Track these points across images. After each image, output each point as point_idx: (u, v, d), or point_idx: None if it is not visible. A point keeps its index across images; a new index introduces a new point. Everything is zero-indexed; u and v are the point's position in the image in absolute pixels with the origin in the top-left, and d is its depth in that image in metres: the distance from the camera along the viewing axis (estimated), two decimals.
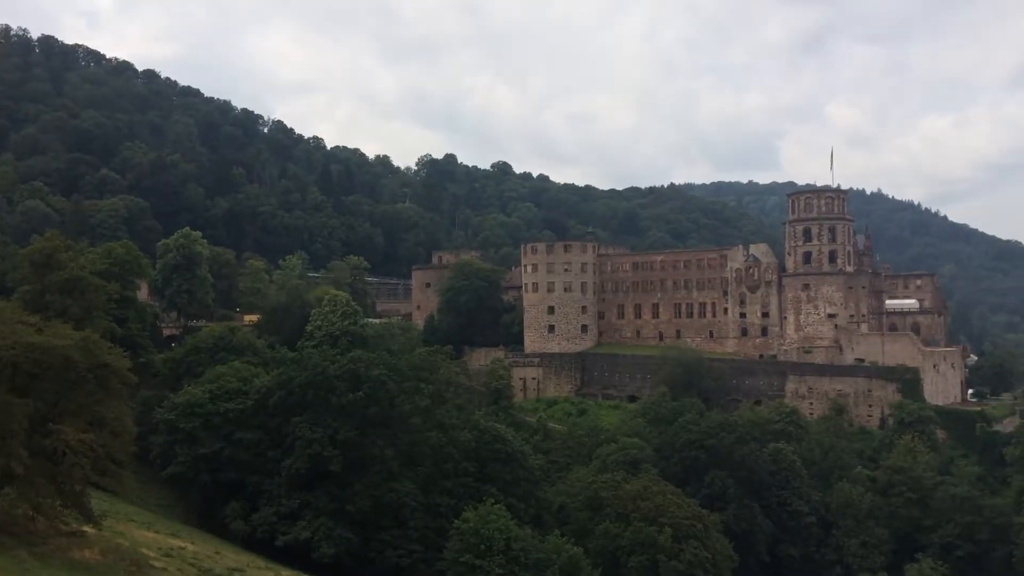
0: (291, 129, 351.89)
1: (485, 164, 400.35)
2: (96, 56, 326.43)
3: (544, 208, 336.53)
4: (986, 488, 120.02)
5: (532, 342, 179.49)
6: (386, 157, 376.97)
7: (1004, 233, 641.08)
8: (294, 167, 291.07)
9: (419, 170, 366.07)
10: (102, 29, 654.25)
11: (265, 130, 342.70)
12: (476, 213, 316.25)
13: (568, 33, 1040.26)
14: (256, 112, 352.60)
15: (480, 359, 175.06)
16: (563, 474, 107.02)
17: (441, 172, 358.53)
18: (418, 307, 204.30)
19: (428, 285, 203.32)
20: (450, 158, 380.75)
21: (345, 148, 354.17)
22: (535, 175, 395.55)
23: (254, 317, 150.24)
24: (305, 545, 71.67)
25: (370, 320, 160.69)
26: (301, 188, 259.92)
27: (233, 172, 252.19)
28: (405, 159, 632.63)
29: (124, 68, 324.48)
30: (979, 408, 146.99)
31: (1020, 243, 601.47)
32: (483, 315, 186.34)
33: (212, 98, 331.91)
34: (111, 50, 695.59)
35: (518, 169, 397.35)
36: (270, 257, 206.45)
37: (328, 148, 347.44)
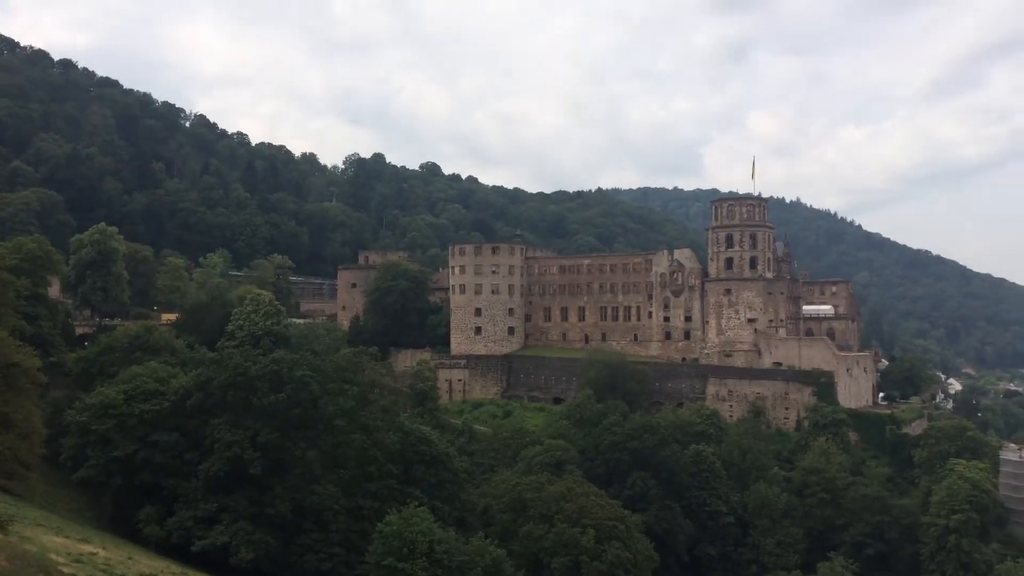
0: (214, 124, 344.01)
1: (414, 164, 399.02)
2: (9, 44, 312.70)
3: (473, 210, 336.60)
4: (895, 489, 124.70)
5: (459, 344, 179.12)
6: (313, 155, 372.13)
7: (915, 243, 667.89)
8: (217, 163, 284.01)
9: (346, 169, 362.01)
10: (16, 16, 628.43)
11: (187, 124, 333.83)
12: (404, 213, 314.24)
13: (498, 35, 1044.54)
14: (178, 106, 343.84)
15: (406, 360, 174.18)
16: (488, 476, 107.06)
17: (369, 171, 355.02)
18: (343, 308, 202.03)
19: (354, 285, 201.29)
20: (378, 157, 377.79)
21: (270, 145, 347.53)
22: (464, 177, 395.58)
23: (172, 316, 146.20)
24: (223, 550, 69.98)
25: (294, 320, 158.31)
26: (224, 184, 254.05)
27: (152, 166, 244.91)
28: (332, 157, 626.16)
29: (39, 57, 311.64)
30: (889, 411, 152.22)
31: (930, 252, 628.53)
32: (410, 316, 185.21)
33: (131, 90, 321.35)
34: (25, 38, 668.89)
35: (447, 170, 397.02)
36: (190, 255, 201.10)
37: (253, 144, 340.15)
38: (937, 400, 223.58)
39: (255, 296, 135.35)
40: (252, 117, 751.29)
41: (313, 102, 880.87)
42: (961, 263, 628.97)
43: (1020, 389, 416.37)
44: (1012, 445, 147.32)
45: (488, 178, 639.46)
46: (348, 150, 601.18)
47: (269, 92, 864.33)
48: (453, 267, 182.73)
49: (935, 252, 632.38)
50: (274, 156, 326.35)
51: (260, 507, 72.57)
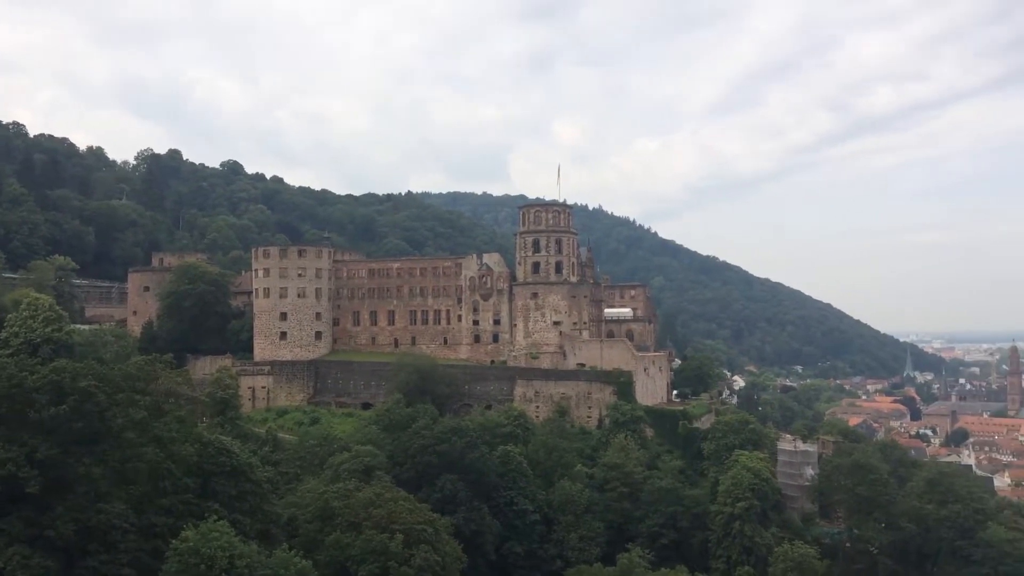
0: None
1: (213, 162, 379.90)
2: None
3: (277, 211, 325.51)
4: (687, 480, 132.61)
5: (262, 349, 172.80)
6: (100, 149, 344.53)
7: (704, 249, 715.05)
8: None
9: (138, 165, 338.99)
10: None
11: None
12: (203, 213, 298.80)
13: (300, 30, 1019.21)
14: None
15: (205, 368, 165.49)
16: (293, 485, 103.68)
17: (164, 168, 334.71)
18: (135, 313, 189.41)
19: (147, 289, 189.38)
20: (174, 154, 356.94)
21: (51, 137, 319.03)
22: (268, 176, 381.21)
23: None
24: None
25: (78, 326, 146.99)
26: None
27: None
28: (122, 152, 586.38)
29: None
30: (682, 407, 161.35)
31: (716, 258, 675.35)
32: (209, 321, 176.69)
33: None
34: None
35: (249, 169, 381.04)
36: None
37: (31, 136, 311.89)
38: (723, 396, 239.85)
39: (33, 300, 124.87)
40: (26, 106, 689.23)
41: (96, 92, 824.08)
42: (744, 268, 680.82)
43: (794, 384, 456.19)
44: (788, 436, 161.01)
45: (294, 178, 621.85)
46: (140, 145, 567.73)
47: (46, 79, 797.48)
48: (257, 270, 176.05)
49: (722, 258, 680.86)
50: (55, 149, 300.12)
51: (39, 529, 66.23)
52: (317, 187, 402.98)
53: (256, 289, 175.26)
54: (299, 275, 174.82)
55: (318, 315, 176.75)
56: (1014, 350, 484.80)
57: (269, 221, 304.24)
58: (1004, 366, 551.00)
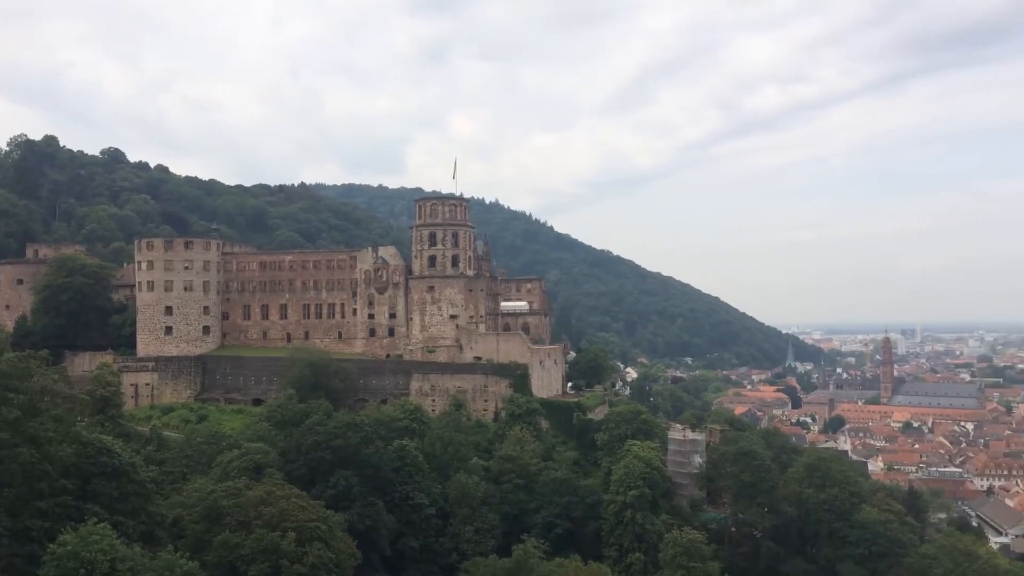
0: None
1: (93, 149, 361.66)
2: None
3: (163, 201, 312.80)
4: (581, 471, 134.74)
5: (146, 345, 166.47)
6: None
7: (598, 243, 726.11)
8: None
9: (11, 151, 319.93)
10: None
11: None
12: (82, 203, 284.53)
13: (186, 13, 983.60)
14: None
15: (84, 364, 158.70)
16: (179, 485, 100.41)
17: (39, 155, 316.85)
18: (7, 307, 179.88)
19: (21, 282, 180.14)
20: (50, 140, 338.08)
21: None
22: (152, 165, 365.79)
23: None
24: None
25: None
26: None
27: None
28: None
29: None
30: (576, 399, 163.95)
31: (611, 252, 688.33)
32: (89, 316, 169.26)
33: None
34: None
35: (132, 157, 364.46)
36: None
37: None
38: (616, 387, 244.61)
39: None
40: None
41: None
42: (637, 263, 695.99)
43: (684, 375, 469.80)
44: (677, 425, 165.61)
45: (180, 168, 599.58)
46: (12, 131, 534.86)
47: None
48: (140, 262, 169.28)
49: (616, 252, 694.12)
50: None
51: None
52: (205, 177, 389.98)
53: (139, 282, 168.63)
54: (186, 268, 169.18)
55: (206, 309, 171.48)
56: (886, 341, 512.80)
57: (153, 212, 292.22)
58: (877, 356, 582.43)
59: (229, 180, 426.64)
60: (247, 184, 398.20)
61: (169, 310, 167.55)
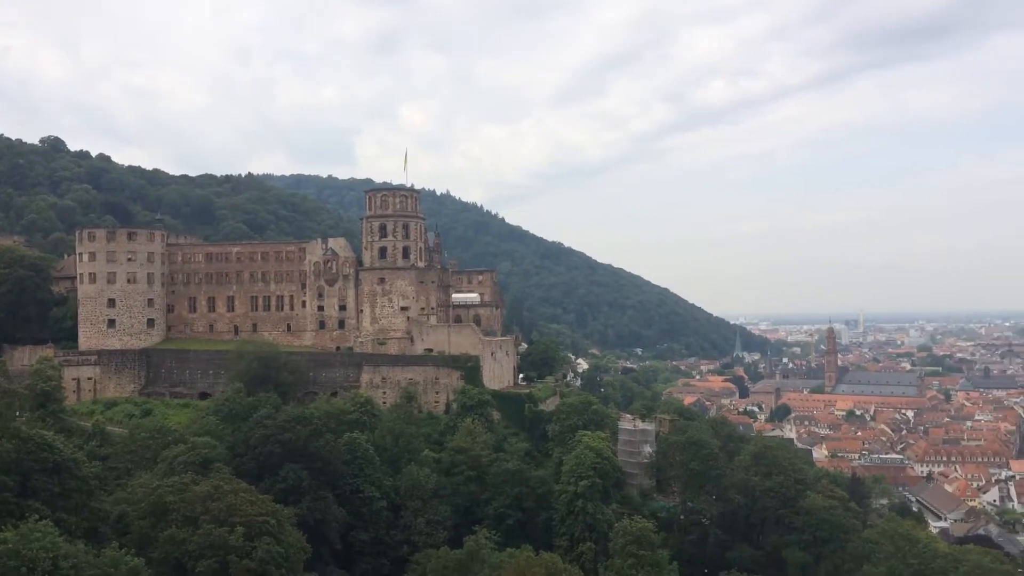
0: None
1: (31, 138, 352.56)
2: None
3: (105, 191, 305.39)
4: (532, 462, 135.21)
5: (88, 338, 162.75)
6: None
7: (549, 235, 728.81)
8: None
9: None
10: None
11: None
12: (20, 193, 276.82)
13: None
14: None
15: (24, 358, 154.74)
16: (124, 481, 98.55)
17: None
18: None
19: None
20: None
21: None
22: (94, 154, 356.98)
23: None
24: None
25: None
26: None
27: None
28: None
29: None
30: (528, 390, 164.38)
31: (562, 244, 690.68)
32: (28, 308, 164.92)
33: None
34: None
35: (73, 146, 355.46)
36: None
37: None
38: (568, 378, 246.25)
39: None
40: None
41: None
42: (588, 254, 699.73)
43: (634, 366, 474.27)
44: (628, 416, 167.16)
45: (122, 157, 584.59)
46: None
47: None
48: (82, 254, 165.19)
49: (567, 244, 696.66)
50: None
51: None
52: (148, 166, 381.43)
53: (81, 274, 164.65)
54: (129, 259, 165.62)
55: (150, 301, 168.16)
56: (830, 331, 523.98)
57: (95, 202, 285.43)
58: (822, 346, 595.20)
59: (174, 170, 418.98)
60: (192, 174, 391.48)
61: (112, 302, 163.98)
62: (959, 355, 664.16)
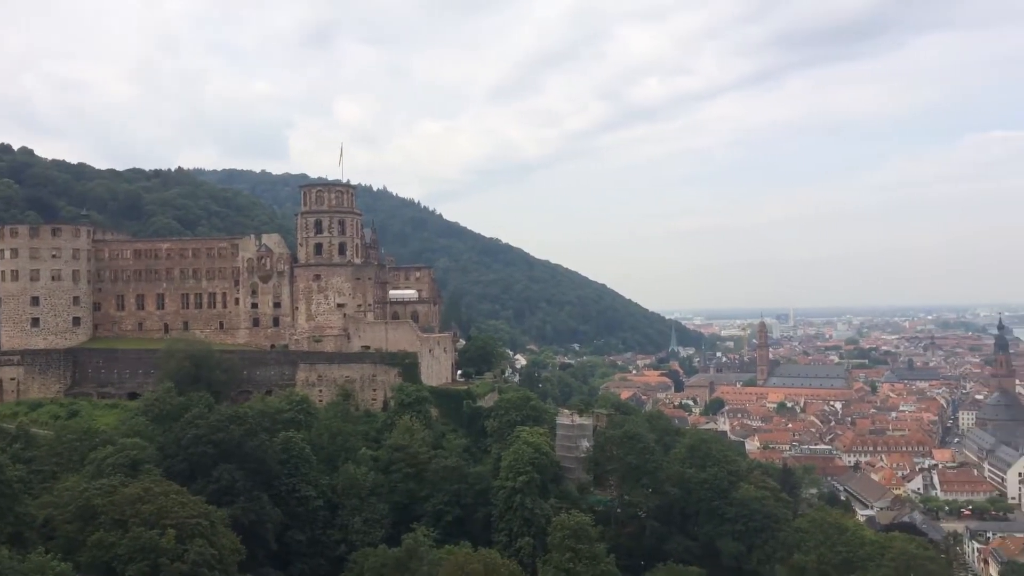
0: None
1: None
2: None
3: (27, 186, 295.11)
4: (471, 458, 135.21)
5: (11, 338, 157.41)
6: None
7: (487, 231, 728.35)
8: None
9: None
10: None
11: None
12: None
13: None
14: None
15: None
16: (49, 484, 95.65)
17: None
18: None
19: None
20: None
21: None
22: (16, 148, 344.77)
23: None
24: None
25: None
26: None
27: None
28: None
29: None
30: (466, 387, 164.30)
31: (499, 240, 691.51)
32: None
33: None
34: None
35: None
36: None
37: None
38: (506, 374, 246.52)
39: None
40: None
41: None
42: (526, 251, 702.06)
43: (572, 362, 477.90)
44: (566, 411, 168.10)
45: (45, 150, 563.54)
46: None
47: None
48: (3, 250, 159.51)
49: (504, 240, 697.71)
50: None
51: None
52: (73, 160, 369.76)
53: (3, 272, 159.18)
54: (53, 256, 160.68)
55: (76, 300, 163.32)
56: (762, 325, 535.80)
57: (17, 197, 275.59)
58: (754, 340, 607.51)
59: (100, 164, 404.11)
60: (120, 168, 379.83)
61: (35, 301, 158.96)
62: (884, 348, 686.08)
